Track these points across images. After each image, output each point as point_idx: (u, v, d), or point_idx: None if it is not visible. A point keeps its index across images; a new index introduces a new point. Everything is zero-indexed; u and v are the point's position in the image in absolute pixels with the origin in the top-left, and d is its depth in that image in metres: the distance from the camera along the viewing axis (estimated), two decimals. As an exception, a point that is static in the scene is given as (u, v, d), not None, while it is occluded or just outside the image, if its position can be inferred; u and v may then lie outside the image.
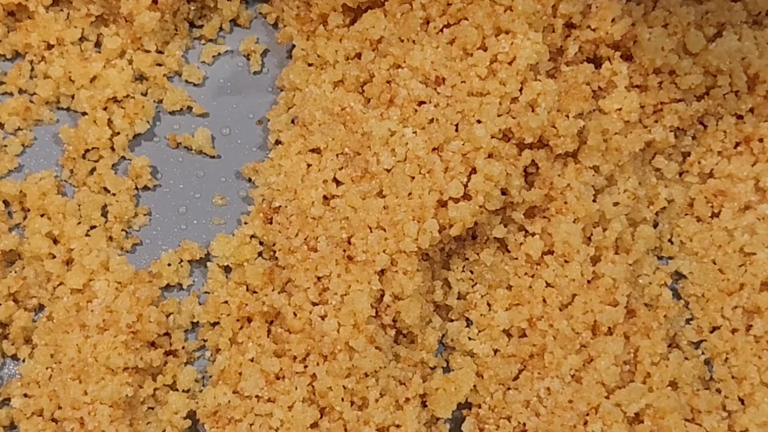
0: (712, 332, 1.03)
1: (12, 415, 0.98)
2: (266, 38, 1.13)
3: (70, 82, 1.07)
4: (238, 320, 1.00)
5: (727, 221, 1.04)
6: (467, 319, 1.02)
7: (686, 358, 1.01)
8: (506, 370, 0.99)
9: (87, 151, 1.07)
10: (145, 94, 1.10)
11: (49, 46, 1.09)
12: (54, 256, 1.02)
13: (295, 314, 0.96)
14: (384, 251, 0.96)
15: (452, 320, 1.03)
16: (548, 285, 1.00)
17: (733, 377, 1.01)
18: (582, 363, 0.98)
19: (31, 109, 1.08)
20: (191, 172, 1.08)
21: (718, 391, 1.01)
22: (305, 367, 0.96)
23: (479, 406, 0.99)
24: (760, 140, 1.06)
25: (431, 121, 0.99)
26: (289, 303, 0.97)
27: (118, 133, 1.07)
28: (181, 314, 1.02)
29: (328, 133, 1.02)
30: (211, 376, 1.00)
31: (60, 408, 0.96)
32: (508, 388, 0.99)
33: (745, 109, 1.07)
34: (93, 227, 1.04)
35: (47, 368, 0.98)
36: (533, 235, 1.01)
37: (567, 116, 1.00)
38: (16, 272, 1.02)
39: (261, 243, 1.03)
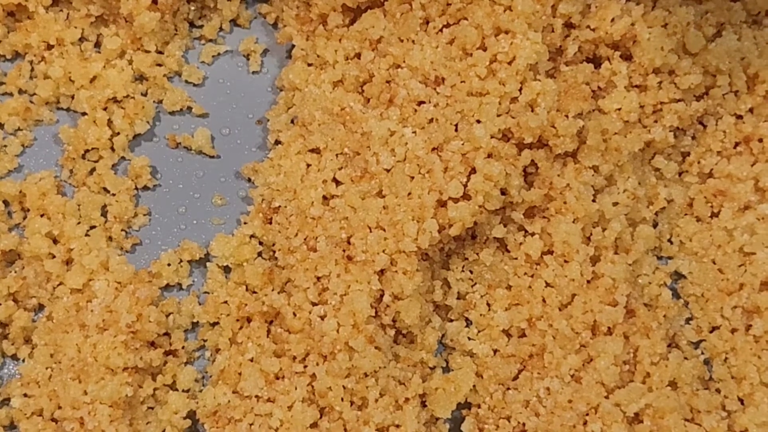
0: (711, 332, 1.03)
1: (12, 415, 0.98)
2: (266, 38, 1.13)
3: (70, 83, 1.07)
4: (237, 320, 1.00)
5: (727, 221, 1.04)
6: (467, 319, 1.02)
7: (686, 358, 1.01)
8: (506, 370, 0.99)
9: (87, 151, 1.07)
10: (145, 94, 1.10)
11: (49, 47, 1.09)
12: (54, 256, 1.02)
13: (294, 314, 0.96)
14: (384, 251, 0.96)
15: (452, 320, 1.02)
16: (548, 285, 1.00)
17: (732, 377, 1.01)
18: (582, 363, 0.98)
19: (31, 109, 1.08)
20: (191, 172, 1.08)
21: (718, 391, 1.01)
22: (305, 367, 0.96)
23: (479, 406, 0.99)
24: (760, 140, 1.06)
25: (431, 121, 0.99)
26: (289, 303, 0.97)
27: (118, 133, 1.07)
28: (181, 314, 1.02)
29: (327, 133, 1.01)
30: (211, 376, 1.00)
31: (60, 408, 0.96)
32: (508, 388, 0.99)
33: (745, 109, 1.07)
34: (93, 227, 1.04)
35: (47, 368, 0.98)
36: (533, 235, 1.01)
37: (566, 116, 1.00)
38: (16, 272, 1.02)
39: (261, 243, 1.03)
